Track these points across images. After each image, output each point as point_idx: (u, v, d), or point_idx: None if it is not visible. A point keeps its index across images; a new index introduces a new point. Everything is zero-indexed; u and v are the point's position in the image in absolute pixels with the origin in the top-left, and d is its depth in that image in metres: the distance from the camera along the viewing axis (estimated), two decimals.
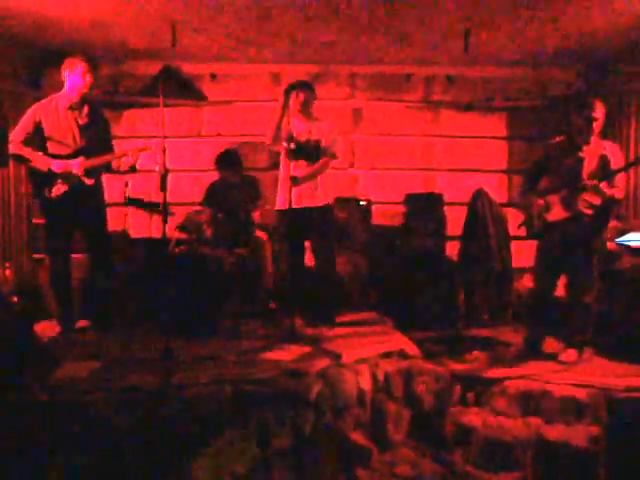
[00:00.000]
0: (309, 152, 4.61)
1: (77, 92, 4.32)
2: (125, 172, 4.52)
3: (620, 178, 3.90)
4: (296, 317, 4.44)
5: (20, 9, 4.80)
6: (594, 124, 3.92)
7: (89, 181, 4.38)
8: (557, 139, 4.18)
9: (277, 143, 4.61)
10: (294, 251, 4.80)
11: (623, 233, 4.68)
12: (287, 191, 4.43)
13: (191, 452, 2.94)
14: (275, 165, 4.91)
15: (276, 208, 4.78)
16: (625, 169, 3.97)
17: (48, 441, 2.86)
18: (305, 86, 4.68)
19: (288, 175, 4.46)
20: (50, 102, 4.35)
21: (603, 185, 3.81)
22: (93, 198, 4.49)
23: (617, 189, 3.86)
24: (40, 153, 4.29)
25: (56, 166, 4.28)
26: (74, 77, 4.30)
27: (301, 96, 4.60)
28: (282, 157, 4.70)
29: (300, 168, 4.55)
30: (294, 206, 4.40)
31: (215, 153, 5.78)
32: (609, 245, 4.60)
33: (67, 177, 4.31)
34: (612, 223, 4.63)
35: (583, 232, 3.95)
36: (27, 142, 4.27)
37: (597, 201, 3.85)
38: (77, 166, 4.31)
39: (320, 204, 4.64)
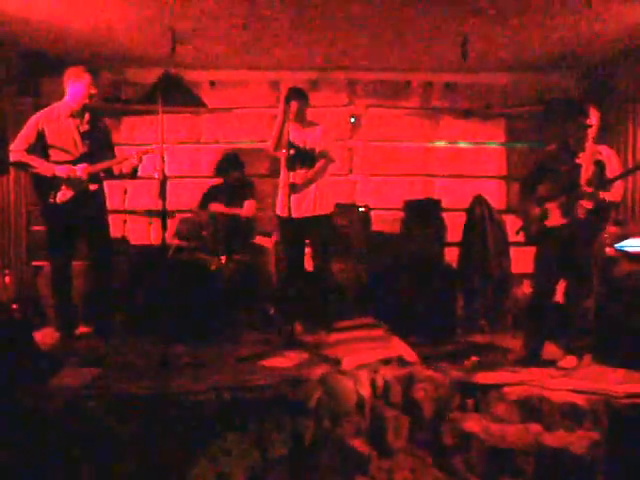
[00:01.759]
0: (305, 159, 4.62)
1: (79, 102, 4.35)
2: (127, 175, 4.54)
3: (617, 183, 3.91)
4: (295, 324, 4.45)
5: (20, 16, 4.82)
6: (589, 130, 3.94)
7: (93, 186, 4.41)
8: (553, 146, 4.20)
9: (279, 149, 4.62)
10: (293, 257, 4.81)
11: (622, 239, 4.69)
12: (286, 198, 4.44)
13: (190, 459, 2.94)
14: (275, 172, 4.93)
15: (276, 213, 4.80)
16: (624, 176, 3.98)
17: (47, 447, 2.86)
18: (297, 94, 4.68)
19: (287, 182, 4.47)
20: (52, 111, 4.38)
21: (601, 191, 3.82)
22: (96, 204, 4.50)
23: (612, 192, 3.87)
24: (43, 160, 4.31)
25: (60, 171, 4.29)
26: (77, 87, 4.33)
27: (294, 105, 4.60)
28: (282, 163, 4.72)
29: (298, 176, 4.58)
30: (294, 214, 4.42)
31: (214, 160, 5.79)
32: (608, 251, 4.61)
33: (72, 182, 4.33)
34: (611, 229, 4.65)
35: (581, 238, 3.96)
36: (30, 150, 4.29)
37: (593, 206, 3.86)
38: (81, 171, 4.33)
39: (319, 213, 4.66)
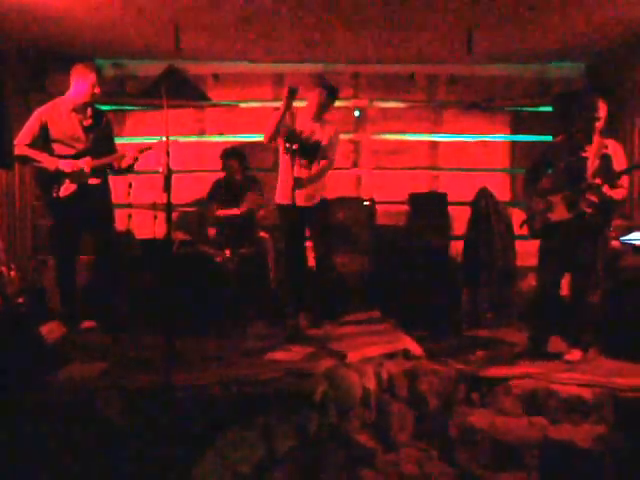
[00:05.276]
0: (308, 150, 4.60)
1: (81, 99, 4.37)
2: (124, 170, 4.55)
3: (624, 177, 3.89)
4: (300, 317, 4.45)
5: (24, 10, 4.81)
6: (596, 123, 3.92)
7: (95, 181, 4.42)
8: (559, 138, 4.18)
9: (274, 141, 4.60)
10: (293, 247, 4.80)
11: (627, 232, 4.67)
12: (289, 189, 4.42)
13: (195, 452, 2.95)
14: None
15: (276, 201, 4.79)
16: (630, 171, 3.94)
17: (53, 442, 2.87)
18: (331, 90, 4.68)
19: (289, 172, 4.44)
20: (54, 105, 4.40)
21: (606, 186, 3.80)
22: (100, 199, 4.52)
23: (620, 190, 3.85)
24: (46, 154, 4.32)
25: (63, 165, 4.30)
26: (81, 85, 4.35)
27: (323, 97, 4.60)
28: (281, 154, 4.70)
29: (301, 167, 4.55)
30: (296, 203, 4.41)
31: (218, 154, 5.79)
32: (613, 244, 4.59)
33: (75, 176, 4.34)
34: (616, 222, 4.63)
35: (586, 231, 3.94)
36: (33, 145, 4.30)
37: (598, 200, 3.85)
38: (84, 164, 4.34)
39: (319, 200, 4.67)
